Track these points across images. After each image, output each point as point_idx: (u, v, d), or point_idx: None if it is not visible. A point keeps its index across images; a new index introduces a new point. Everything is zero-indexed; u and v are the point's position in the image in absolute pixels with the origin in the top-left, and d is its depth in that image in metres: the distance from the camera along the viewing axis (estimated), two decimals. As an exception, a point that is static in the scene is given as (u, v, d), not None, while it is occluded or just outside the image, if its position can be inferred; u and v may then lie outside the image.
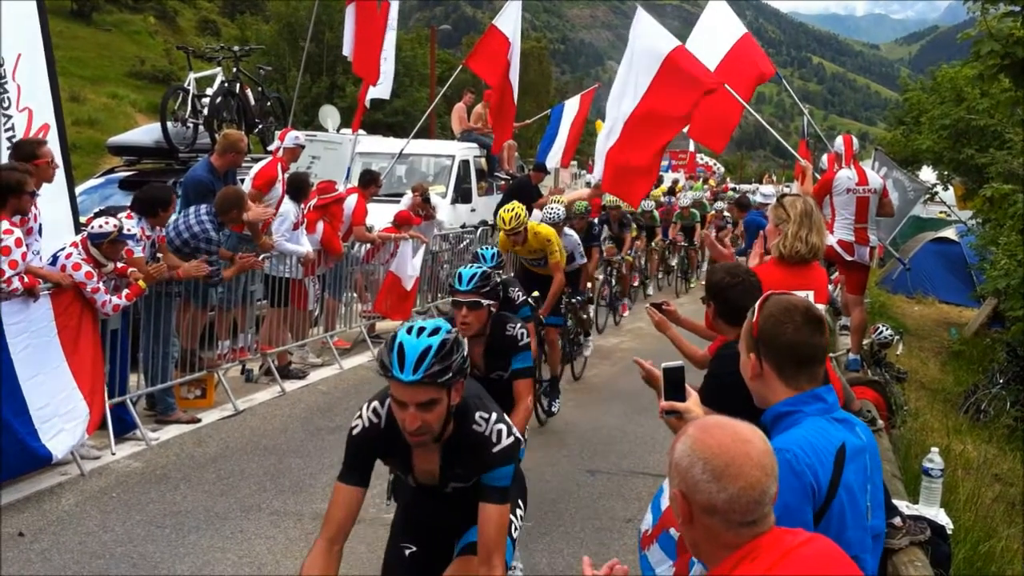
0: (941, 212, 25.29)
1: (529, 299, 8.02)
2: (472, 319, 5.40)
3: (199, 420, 8.99)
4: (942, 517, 6.09)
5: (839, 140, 10.95)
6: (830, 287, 9.95)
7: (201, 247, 9.03)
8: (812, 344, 2.97)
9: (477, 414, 3.61)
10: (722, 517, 2.24)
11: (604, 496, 7.66)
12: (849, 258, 9.88)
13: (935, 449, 6.47)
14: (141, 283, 7.97)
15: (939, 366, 16.47)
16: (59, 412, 7.18)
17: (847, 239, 9.79)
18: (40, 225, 7.60)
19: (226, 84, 13.15)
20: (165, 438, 8.45)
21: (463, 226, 17.00)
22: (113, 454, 7.86)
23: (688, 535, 2.36)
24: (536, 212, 16.92)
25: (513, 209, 9.37)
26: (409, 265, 12.77)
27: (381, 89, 14.92)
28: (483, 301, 5.41)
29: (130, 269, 8.05)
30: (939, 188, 22.97)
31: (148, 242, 8.46)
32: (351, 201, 12.24)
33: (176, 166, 12.34)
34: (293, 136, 11.33)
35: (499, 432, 3.62)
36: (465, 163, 19.04)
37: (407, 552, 4.02)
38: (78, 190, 9.81)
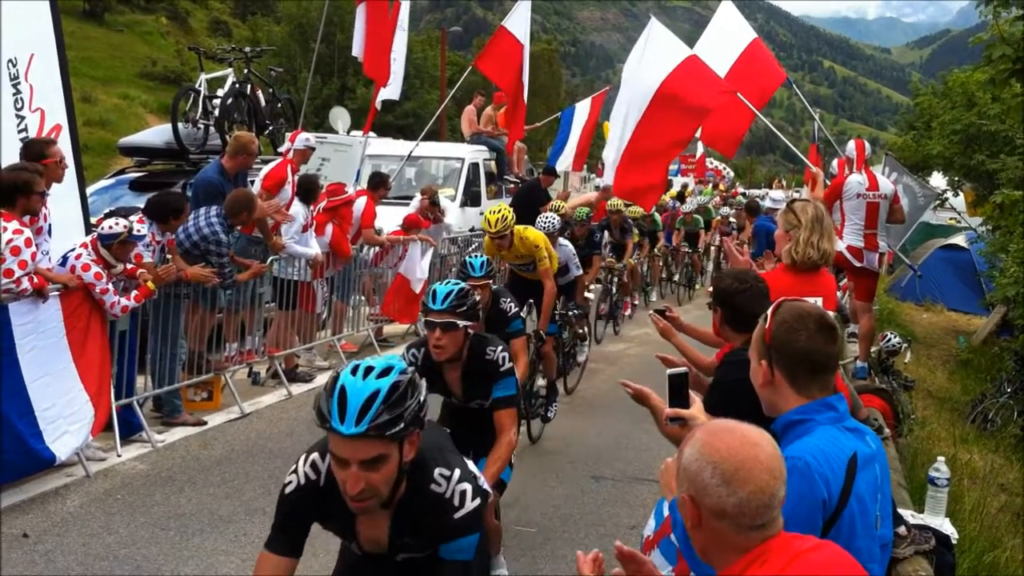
0: (951, 218, 25.20)
1: (521, 312, 7.52)
2: (447, 342, 4.99)
3: (205, 422, 9.00)
4: (947, 527, 6.06)
5: (851, 144, 10.92)
6: (838, 294, 9.92)
7: (211, 249, 9.05)
8: (825, 352, 2.96)
9: (436, 471, 3.06)
10: (732, 521, 2.25)
11: (609, 502, 7.65)
12: (858, 264, 9.85)
13: (941, 458, 6.45)
14: (150, 284, 7.99)
15: (947, 374, 16.42)
16: (64, 414, 7.20)
17: (856, 245, 9.76)
18: (50, 225, 7.62)
19: (237, 85, 13.18)
20: (171, 440, 8.47)
21: (472, 229, 16.99)
22: (119, 456, 7.88)
23: (696, 539, 2.36)
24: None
25: (500, 210, 8.94)
26: (418, 267, 12.76)
27: (390, 90, 14.94)
28: (459, 322, 4.98)
29: (139, 271, 8.07)
30: (949, 194, 22.89)
31: (157, 247, 8.48)
32: (360, 204, 12.24)
33: (187, 167, 12.37)
34: (303, 138, 11.36)
35: (462, 494, 3.06)
36: (475, 166, 19.04)
37: None
38: (89, 191, 9.85)
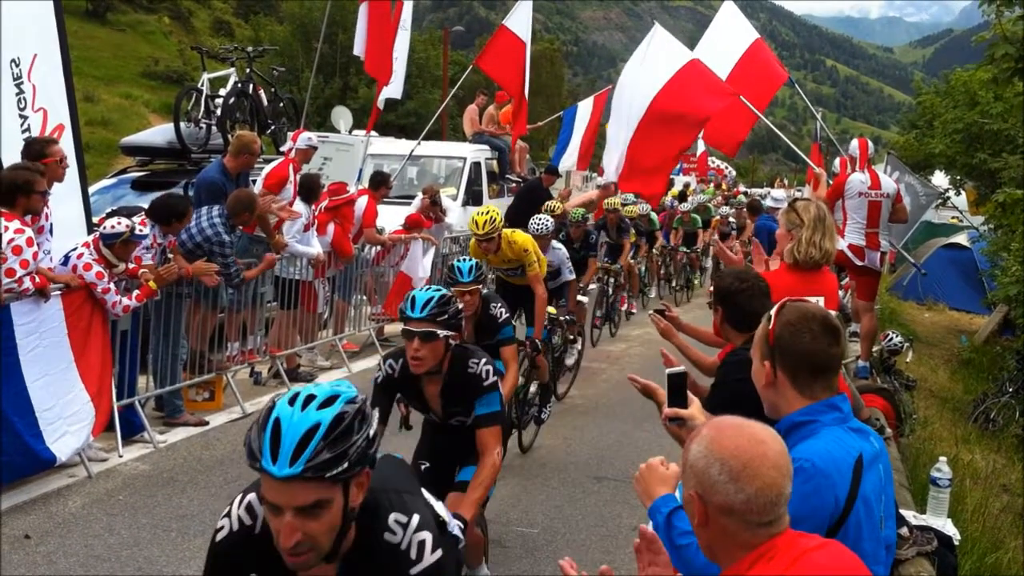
0: (953, 217, 25.18)
1: (512, 319, 7.20)
2: (425, 353, 4.60)
3: (207, 422, 9.00)
4: (949, 528, 6.06)
5: (854, 143, 10.90)
6: (840, 293, 9.92)
7: (215, 251, 9.05)
8: (829, 354, 2.96)
9: (391, 518, 2.64)
10: (739, 518, 2.26)
11: (610, 503, 7.65)
12: (859, 263, 9.84)
13: (943, 458, 6.45)
14: (152, 284, 7.99)
15: (949, 374, 16.40)
16: (64, 414, 7.19)
17: (858, 243, 9.75)
18: (51, 224, 7.62)
19: (239, 85, 13.18)
20: (173, 440, 8.47)
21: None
22: (120, 456, 7.88)
23: (702, 536, 2.38)
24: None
25: (488, 212, 8.51)
26: (420, 266, 12.76)
27: (392, 89, 14.94)
28: (440, 332, 4.60)
29: (141, 270, 8.07)
30: (951, 193, 22.87)
31: (158, 249, 8.48)
32: (362, 203, 12.24)
33: (189, 167, 12.37)
34: (305, 137, 11.36)
35: (420, 544, 2.64)
36: (476, 165, 19.04)
37: None
38: (91, 190, 9.85)
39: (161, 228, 8.47)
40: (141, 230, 8.04)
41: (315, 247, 10.91)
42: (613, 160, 11.79)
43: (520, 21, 16.17)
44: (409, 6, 15.09)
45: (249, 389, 10.21)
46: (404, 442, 5.30)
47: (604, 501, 7.70)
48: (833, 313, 5.28)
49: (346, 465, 2.34)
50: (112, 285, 7.64)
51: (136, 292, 7.91)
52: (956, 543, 6.01)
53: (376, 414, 2.59)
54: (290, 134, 12.17)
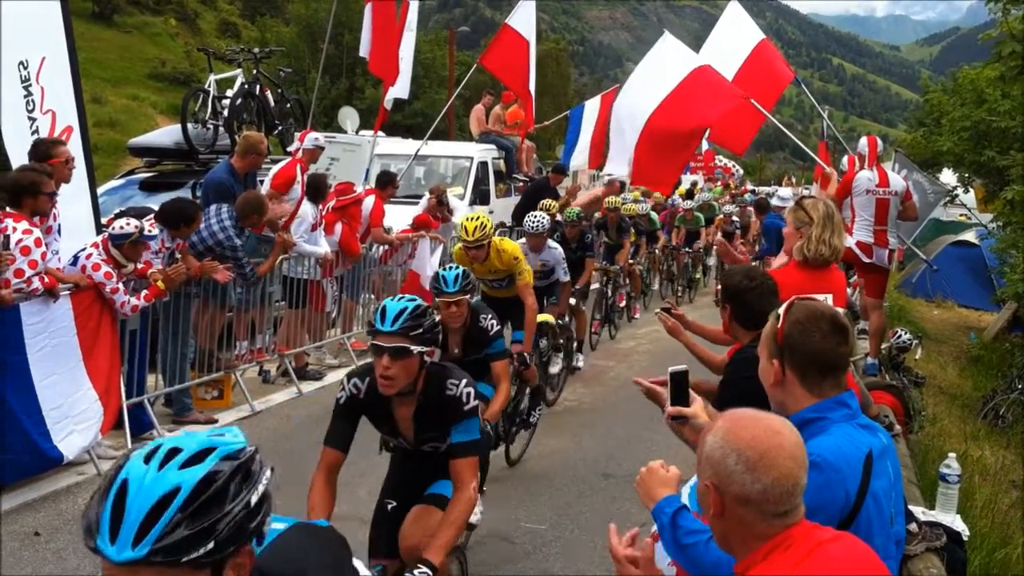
0: (961, 215, 25.11)
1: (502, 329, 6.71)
2: (397, 371, 4.06)
3: (216, 420, 9.03)
4: (958, 523, 6.05)
5: (863, 141, 10.87)
6: (848, 290, 9.91)
7: (227, 255, 9.08)
8: (838, 353, 2.97)
9: None
10: (755, 508, 2.27)
11: (619, 500, 7.65)
12: (867, 260, 9.83)
13: (952, 455, 6.44)
14: (160, 284, 8.01)
15: (958, 371, 16.36)
16: (71, 413, 7.22)
17: (866, 241, 9.74)
18: (59, 225, 7.66)
19: (246, 86, 13.23)
20: (182, 439, 8.48)
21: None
22: (130, 454, 7.89)
23: (718, 527, 2.39)
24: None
25: (479, 218, 8.05)
26: (428, 265, 12.78)
27: (399, 89, 14.96)
28: (413, 347, 4.06)
29: (150, 270, 8.10)
30: (959, 190, 22.81)
31: (166, 252, 8.50)
32: (369, 202, 12.27)
33: (196, 167, 12.40)
34: (313, 137, 11.39)
35: None
36: (483, 165, 19.06)
37: None
38: (99, 191, 9.88)
39: (170, 232, 8.49)
40: (150, 231, 8.07)
41: (323, 246, 10.94)
42: (617, 159, 11.80)
43: (523, 20, 16.26)
44: (415, 7, 15.11)
45: (258, 387, 10.23)
46: (381, 467, 5.10)
47: (612, 498, 7.70)
48: (841, 311, 5.30)
49: (212, 545, 1.74)
50: (121, 285, 7.68)
51: (144, 292, 7.94)
52: (965, 539, 6.00)
53: (269, 472, 1.93)
54: (297, 134, 12.20)
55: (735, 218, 21.90)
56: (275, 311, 10.85)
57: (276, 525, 2.25)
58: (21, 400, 6.83)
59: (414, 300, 4.18)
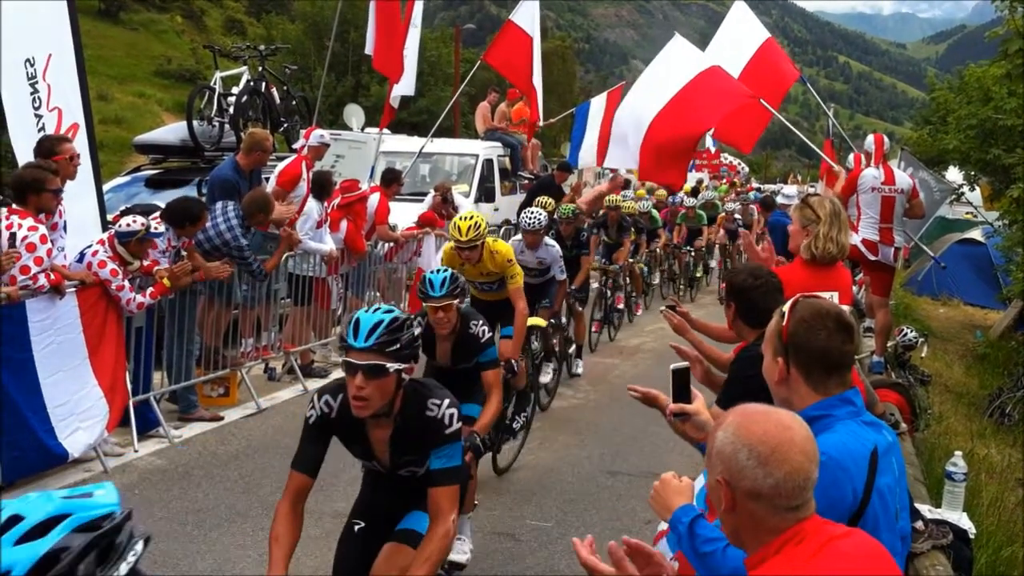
0: (967, 213, 25.05)
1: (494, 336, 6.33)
2: (371, 391, 3.67)
3: (222, 418, 9.05)
4: (964, 521, 6.06)
5: (870, 139, 10.85)
6: (854, 288, 9.89)
7: (233, 255, 9.09)
8: (844, 351, 2.96)
9: None
10: (767, 502, 2.28)
11: (625, 497, 7.66)
12: (873, 258, 9.83)
13: (958, 453, 6.44)
14: (165, 282, 8.02)
15: (964, 369, 16.34)
16: (76, 411, 7.23)
17: (871, 238, 9.74)
18: (65, 222, 7.67)
19: (252, 83, 13.23)
20: (188, 436, 8.52)
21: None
22: (136, 451, 7.93)
23: (729, 522, 2.39)
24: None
25: (472, 217, 7.60)
26: (434, 262, 12.78)
27: (404, 86, 14.96)
28: (389, 365, 3.67)
29: (155, 268, 8.11)
30: (965, 189, 22.76)
31: (172, 251, 8.51)
32: (374, 200, 12.28)
33: (202, 164, 12.41)
34: (318, 134, 11.39)
35: None
36: (489, 162, 19.08)
37: None
38: (105, 188, 9.91)
39: (176, 231, 8.49)
40: (156, 228, 8.09)
41: (328, 244, 10.94)
42: (619, 155, 11.81)
43: (526, 16, 16.36)
44: (420, 4, 15.13)
45: (264, 385, 10.24)
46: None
47: (618, 495, 7.70)
48: (847, 309, 5.30)
49: None
50: (126, 282, 7.69)
51: (150, 289, 7.95)
52: (971, 537, 6.00)
53: (140, 546, 1.73)
54: (302, 131, 12.21)
55: (737, 216, 21.66)
56: (280, 308, 10.86)
57: None
58: (26, 397, 6.85)
59: (391, 312, 3.77)
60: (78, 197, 8.21)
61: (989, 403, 13.51)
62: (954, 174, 23.69)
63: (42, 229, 6.99)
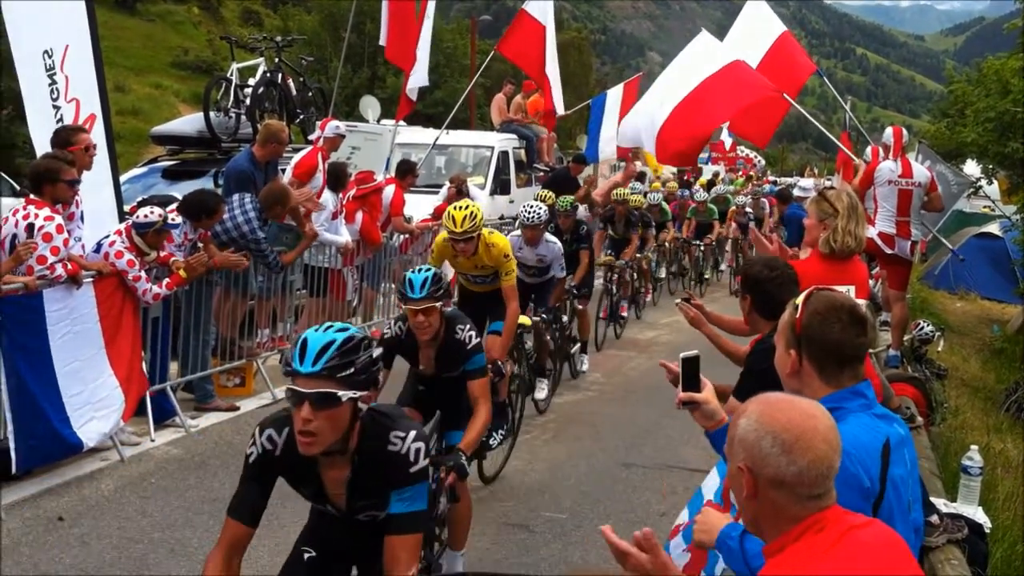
0: (985, 207, 24.92)
1: (482, 340, 5.83)
2: (319, 425, 3.12)
3: (238, 408, 9.08)
4: (980, 516, 6.04)
5: (888, 131, 10.81)
6: (871, 282, 9.86)
7: (251, 248, 9.12)
8: (857, 343, 2.98)
9: None
10: (789, 490, 2.29)
11: (639, 489, 7.66)
12: (889, 251, 9.80)
13: (974, 447, 6.43)
14: (182, 273, 8.05)
15: (980, 363, 16.27)
16: (91, 400, 7.26)
17: (888, 232, 9.72)
18: (82, 212, 7.69)
19: (268, 74, 13.24)
20: (204, 425, 8.55)
21: (501, 217, 16.99)
22: (152, 441, 7.97)
23: (749, 510, 2.40)
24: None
25: (468, 207, 7.12)
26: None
27: (418, 77, 14.94)
28: (342, 393, 3.12)
29: (172, 258, 8.14)
30: (983, 182, 22.64)
31: (188, 244, 8.53)
32: (389, 191, 12.29)
33: (218, 156, 12.43)
34: (334, 125, 11.40)
35: None
36: (504, 154, 19.06)
37: None
38: (122, 179, 9.94)
39: (191, 224, 8.52)
40: (173, 219, 8.12)
41: (344, 235, 10.96)
42: (634, 136, 11.89)
43: (539, 5, 16.32)
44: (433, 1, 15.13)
45: (279, 375, 10.23)
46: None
47: (633, 487, 7.71)
48: (864, 302, 5.29)
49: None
50: (143, 273, 7.72)
51: (166, 280, 7.98)
52: (987, 531, 5.98)
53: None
54: (318, 123, 12.23)
55: (748, 210, 21.20)
56: (296, 299, 10.89)
57: None
58: (42, 387, 6.87)
59: (345, 330, 3.22)
60: (95, 188, 8.24)
61: (1006, 397, 13.45)
62: (972, 167, 23.57)
63: (58, 219, 7.02)
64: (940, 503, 5.92)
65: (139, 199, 10.23)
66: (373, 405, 3.37)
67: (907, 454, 2.99)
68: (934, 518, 5.49)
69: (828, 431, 2.32)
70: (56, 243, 6.91)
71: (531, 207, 9.20)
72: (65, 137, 7.66)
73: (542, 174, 19.73)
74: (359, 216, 11.44)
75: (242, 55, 14.10)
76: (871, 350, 9.08)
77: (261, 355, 9.92)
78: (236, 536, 3.40)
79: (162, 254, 8.08)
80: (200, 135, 12.56)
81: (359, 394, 3.19)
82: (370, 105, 18.85)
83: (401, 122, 15.93)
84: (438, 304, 5.26)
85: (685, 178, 25.23)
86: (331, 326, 3.27)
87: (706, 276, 20.06)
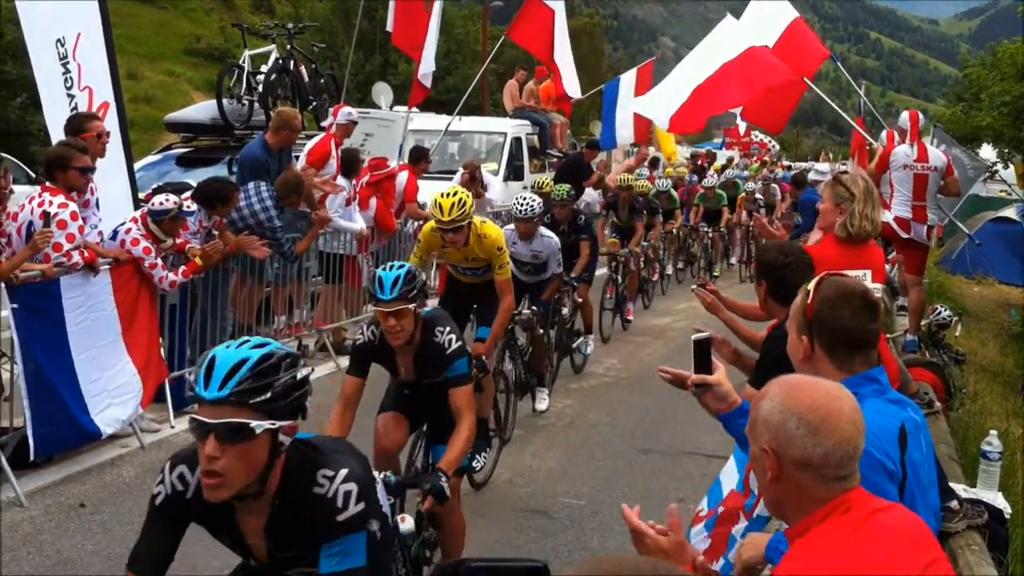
0: (1001, 191, 24.84)
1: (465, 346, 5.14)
2: (228, 464, 2.59)
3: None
4: (1000, 501, 6.01)
5: (904, 115, 10.72)
6: (887, 267, 9.82)
7: (267, 236, 9.13)
8: (868, 329, 2.97)
9: None
10: (815, 472, 2.28)
11: (656, 475, 7.66)
12: (905, 235, 9.75)
13: (994, 432, 6.38)
14: (198, 260, 8.06)
15: (999, 348, 16.20)
16: (108, 387, 7.28)
17: (904, 216, 9.66)
18: (97, 199, 7.70)
19: (280, 61, 13.24)
20: (223, 412, 8.56)
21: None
22: (172, 427, 8.00)
23: (773, 492, 2.38)
24: (590, 191, 16.87)
25: (456, 193, 6.58)
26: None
27: (426, 64, 14.89)
28: (255, 423, 2.59)
29: (188, 245, 8.16)
30: (999, 166, 22.54)
31: (204, 232, 8.53)
32: (402, 178, 12.29)
33: (232, 143, 12.44)
34: (346, 112, 11.40)
35: None
36: (517, 140, 19.04)
37: None
38: (136, 166, 9.96)
39: (206, 211, 8.52)
40: (189, 206, 8.13)
41: (358, 222, 10.96)
42: (652, 109, 11.94)
43: None
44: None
45: (296, 362, 10.29)
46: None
47: (650, 473, 7.70)
48: (880, 286, 5.26)
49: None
50: (159, 260, 7.73)
51: (182, 268, 7.99)
52: (1007, 516, 5.95)
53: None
54: (331, 110, 12.22)
55: (758, 196, 20.58)
56: (312, 286, 10.91)
57: None
58: (60, 374, 6.89)
59: (263, 346, 2.72)
60: (109, 175, 8.25)
61: (1024, 382, 13.41)
62: (988, 152, 23.48)
63: (72, 206, 7.02)
64: (959, 489, 5.88)
65: (154, 186, 10.26)
66: (306, 436, 2.89)
67: (923, 438, 2.99)
68: (954, 504, 5.45)
69: (853, 412, 2.31)
70: (71, 230, 6.92)
71: (523, 198, 8.51)
72: (78, 124, 7.67)
73: (555, 160, 19.71)
74: (373, 202, 11.44)
75: (254, 42, 14.09)
76: (888, 335, 9.07)
77: (278, 342, 9.92)
78: None
79: (178, 241, 8.09)
80: (213, 122, 12.58)
81: (278, 424, 2.64)
82: (382, 92, 18.80)
83: (414, 109, 15.91)
84: (411, 306, 4.74)
85: (699, 163, 25.14)
86: (247, 341, 2.72)
87: (716, 274, 19.25)
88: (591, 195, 16.97)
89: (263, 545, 2.87)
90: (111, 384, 7.34)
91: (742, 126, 35.32)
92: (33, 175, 13.18)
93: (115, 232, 7.71)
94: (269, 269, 9.63)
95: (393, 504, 4.26)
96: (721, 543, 4.04)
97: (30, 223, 6.88)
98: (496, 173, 17.39)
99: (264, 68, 13.04)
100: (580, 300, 10.35)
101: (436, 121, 19.15)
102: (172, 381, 8.18)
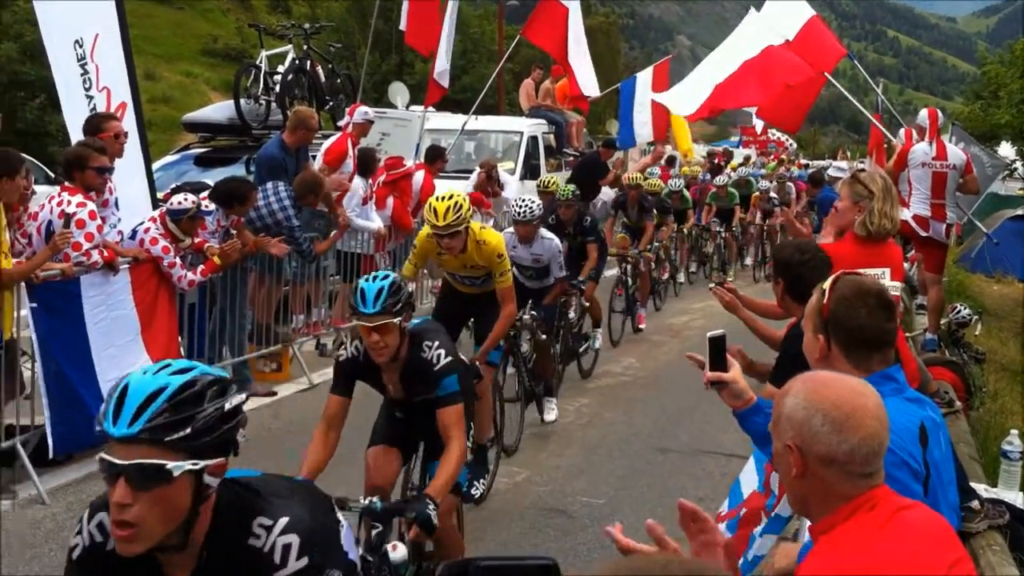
0: (1020, 189, 24.70)
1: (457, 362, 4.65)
2: (142, 511, 2.21)
3: (275, 393, 9.14)
4: (1021, 501, 5.98)
5: (923, 113, 10.67)
6: (906, 265, 9.76)
7: (284, 235, 9.16)
8: (885, 328, 2.96)
9: None
10: (840, 468, 2.26)
11: (675, 474, 7.64)
12: (924, 233, 9.71)
13: (1014, 431, 6.35)
14: (216, 259, 8.09)
15: (1019, 347, 16.07)
16: (126, 386, 7.29)
17: (923, 214, 9.62)
18: (116, 199, 7.74)
19: (297, 61, 13.29)
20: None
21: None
22: (190, 426, 8.02)
23: (798, 489, 2.37)
24: (606, 190, 16.84)
25: (452, 197, 6.25)
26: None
27: (441, 63, 14.90)
28: (173, 465, 2.20)
29: (207, 244, 8.19)
30: (1018, 164, 22.41)
31: (221, 231, 8.56)
32: (419, 177, 12.30)
33: (249, 143, 12.49)
34: (362, 111, 11.43)
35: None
36: (534, 139, 19.02)
37: None
38: (154, 166, 10.01)
39: (223, 211, 8.55)
40: (207, 206, 8.17)
41: (375, 221, 10.99)
42: (676, 101, 11.96)
43: None
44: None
45: (315, 360, 10.32)
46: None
47: (668, 472, 7.69)
48: (899, 285, 5.23)
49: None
50: (178, 259, 7.76)
51: (201, 267, 8.02)
52: (1029, 516, 5.91)
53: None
54: (347, 109, 12.25)
55: (773, 195, 20.01)
56: (330, 285, 10.94)
57: None
58: (79, 372, 6.92)
59: (187, 371, 2.31)
60: (128, 175, 8.30)
61: (1045, 382, 13.31)
62: (1006, 149, 23.34)
63: (91, 205, 7.06)
64: (980, 488, 5.85)
65: (172, 186, 10.31)
66: (248, 474, 2.53)
67: (942, 437, 2.99)
68: (975, 503, 5.43)
69: (877, 408, 2.30)
70: (90, 229, 6.96)
71: (522, 200, 8.30)
72: (96, 124, 7.72)
73: (572, 159, 19.69)
74: (390, 201, 11.47)
75: (271, 42, 14.15)
76: (908, 334, 9.03)
77: (297, 340, 9.97)
78: None
79: (196, 241, 8.12)
80: (231, 122, 12.64)
81: (201, 464, 2.23)
82: (399, 91, 18.83)
83: (430, 108, 15.93)
84: (396, 320, 4.36)
85: (716, 162, 25.06)
86: (167, 365, 2.32)
87: (729, 278, 18.03)
88: (608, 194, 16.92)
89: None
90: (129, 383, 7.35)
91: (759, 124, 35.18)
92: (52, 175, 13.26)
93: (134, 232, 7.75)
94: (287, 268, 9.68)
95: (380, 532, 4.16)
96: (742, 543, 4.03)
97: (49, 223, 6.92)
98: (513, 172, 17.38)
99: (281, 68, 13.10)
100: (587, 302, 10.07)
101: (452, 120, 19.15)
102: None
